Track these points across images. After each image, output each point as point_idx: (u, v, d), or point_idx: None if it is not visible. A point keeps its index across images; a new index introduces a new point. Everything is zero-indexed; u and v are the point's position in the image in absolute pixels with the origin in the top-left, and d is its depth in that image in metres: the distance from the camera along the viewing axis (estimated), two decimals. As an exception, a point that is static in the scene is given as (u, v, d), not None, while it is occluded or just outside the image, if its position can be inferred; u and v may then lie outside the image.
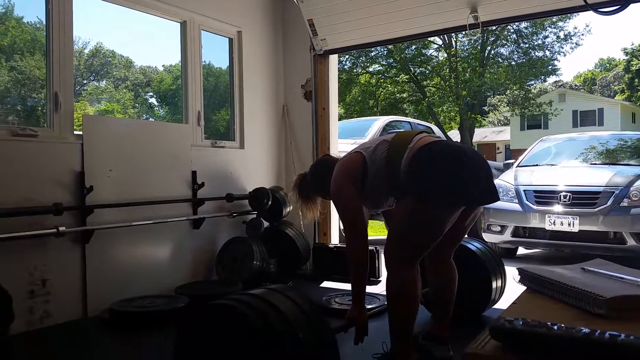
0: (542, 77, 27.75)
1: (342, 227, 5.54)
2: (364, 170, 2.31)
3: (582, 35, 28.90)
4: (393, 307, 2.19)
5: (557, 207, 5.06)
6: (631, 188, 4.88)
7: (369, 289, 3.65)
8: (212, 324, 1.77)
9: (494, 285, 3.11)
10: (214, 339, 1.75)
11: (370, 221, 6.50)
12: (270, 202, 4.31)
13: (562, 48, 24.40)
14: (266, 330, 1.63)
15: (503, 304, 3.13)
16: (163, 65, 33.66)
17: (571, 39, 24.18)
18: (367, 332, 2.35)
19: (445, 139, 2.33)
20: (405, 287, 2.14)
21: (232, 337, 1.71)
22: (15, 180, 3.05)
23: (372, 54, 22.56)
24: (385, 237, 2.30)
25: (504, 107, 31.61)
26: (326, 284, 4.33)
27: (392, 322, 2.20)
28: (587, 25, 42.81)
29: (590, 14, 3.47)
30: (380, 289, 3.96)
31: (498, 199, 2.30)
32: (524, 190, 5.40)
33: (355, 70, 23.52)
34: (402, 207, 2.21)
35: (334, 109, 5.00)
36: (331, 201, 2.62)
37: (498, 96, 33.81)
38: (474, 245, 3.18)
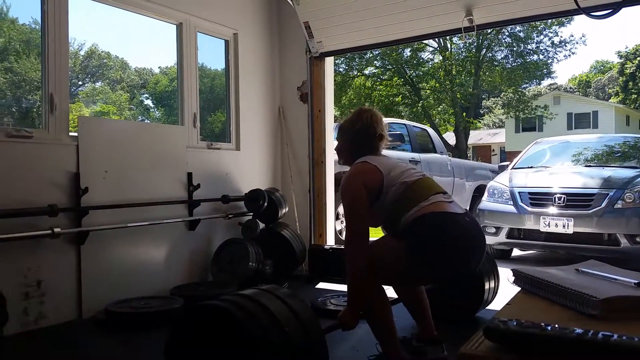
0: (537, 80, 27.84)
1: (337, 229, 5.56)
2: (378, 193, 2.26)
3: (577, 43, 28.85)
4: (370, 309, 2.27)
5: (552, 209, 5.09)
6: (625, 190, 4.91)
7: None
8: (201, 324, 1.78)
9: (487, 286, 3.12)
10: (204, 338, 1.76)
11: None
12: (266, 204, 4.31)
13: (557, 54, 24.51)
14: (254, 329, 1.64)
15: (497, 304, 3.14)
16: (159, 67, 33.67)
17: (565, 46, 24.24)
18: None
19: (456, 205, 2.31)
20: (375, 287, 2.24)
21: (221, 336, 1.73)
22: (10, 181, 3.04)
23: (367, 56, 22.59)
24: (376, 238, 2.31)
25: (498, 109, 31.71)
26: (322, 285, 4.34)
27: (372, 324, 2.28)
28: (584, 35, 42.87)
29: (583, 17, 3.49)
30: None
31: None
32: (519, 192, 5.42)
33: (350, 73, 23.53)
34: (399, 245, 2.19)
35: (330, 111, 5.01)
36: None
37: (493, 99, 33.91)
38: None
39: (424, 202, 2.19)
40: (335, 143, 2.65)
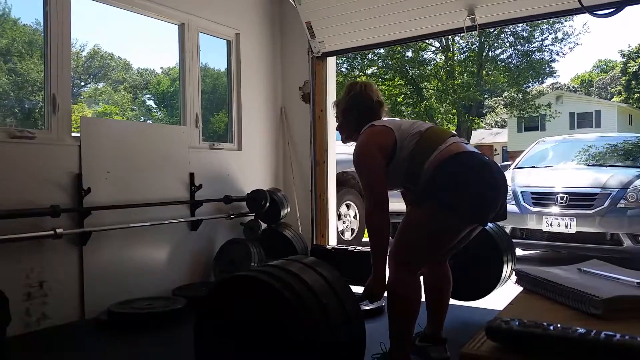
0: (540, 79, 27.81)
1: (339, 229, 5.55)
2: (393, 151, 2.20)
3: (580, 34, 28.79)
4: (393, 309, 2.17)
5: (554, 209, 5.08)
6: (628, 189, 4.89)
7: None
8: (234, 296, 1.76)
9: (504, 265, 3.15)
10: (237, 312, 1.74)
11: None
12: (267, 204, 4.31)
13: (562, 49, 24.43)
14: (292, 299, 1.63)
15: (499, 304, 3.14)
16: (161, 68, 33.67)
17: (569, 37, 24.16)
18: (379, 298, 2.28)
19: (472, 147, 2.25)
20: (407, 288, 2.14)
21: (257, 311, 1.70)
22: (12, 182, 3.05)
23: (369, 56, 22.57)
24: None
25: (501, 109, 31.67)
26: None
27: (392, 323, 2.18)
28: (585, 24, 42.77)
29: (586, 16, 3.48)
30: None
31: (506, 218, 2.31)
32: (521, 192, 5.41)
33: (352, 73, 23.51)
34: (419, 212, 2.13)
35: (332, 111, 5.01)
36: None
37: (495, 98, 33.86)
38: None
39: (442, 145, 2.14)
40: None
